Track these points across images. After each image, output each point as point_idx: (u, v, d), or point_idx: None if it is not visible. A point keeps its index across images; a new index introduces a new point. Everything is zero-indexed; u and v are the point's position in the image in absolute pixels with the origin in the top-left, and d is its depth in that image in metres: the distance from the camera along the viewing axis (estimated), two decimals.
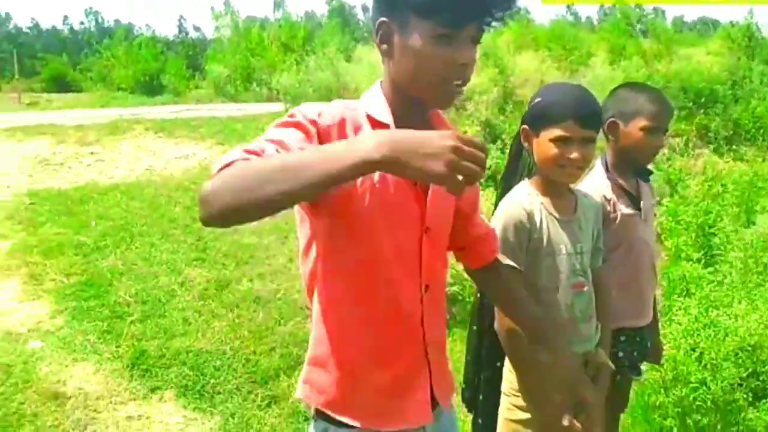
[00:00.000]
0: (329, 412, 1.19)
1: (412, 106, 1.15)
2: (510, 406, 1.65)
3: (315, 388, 1.22)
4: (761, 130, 9.22)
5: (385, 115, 1.13)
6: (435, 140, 0.84)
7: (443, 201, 1.21)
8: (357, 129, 1.12)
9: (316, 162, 0.85)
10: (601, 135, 1.62)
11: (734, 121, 9.34)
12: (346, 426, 1.18)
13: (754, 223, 4.50)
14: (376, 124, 1.13)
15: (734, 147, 8.88)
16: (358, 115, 1.14)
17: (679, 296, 3.28)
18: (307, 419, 2.79)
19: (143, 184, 7.03)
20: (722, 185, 5.61)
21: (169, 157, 8.25)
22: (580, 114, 1.47)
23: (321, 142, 1.05)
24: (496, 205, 1.66)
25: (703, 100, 9.47)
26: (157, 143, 8.90)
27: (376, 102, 1.16)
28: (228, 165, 0.90)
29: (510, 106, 8.65)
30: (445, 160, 0.82)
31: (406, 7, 1.04)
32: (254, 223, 5.24)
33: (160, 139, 9.11)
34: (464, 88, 1.11)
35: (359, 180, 1.08)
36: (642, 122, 1.81)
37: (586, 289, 1.60)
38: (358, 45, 10.66)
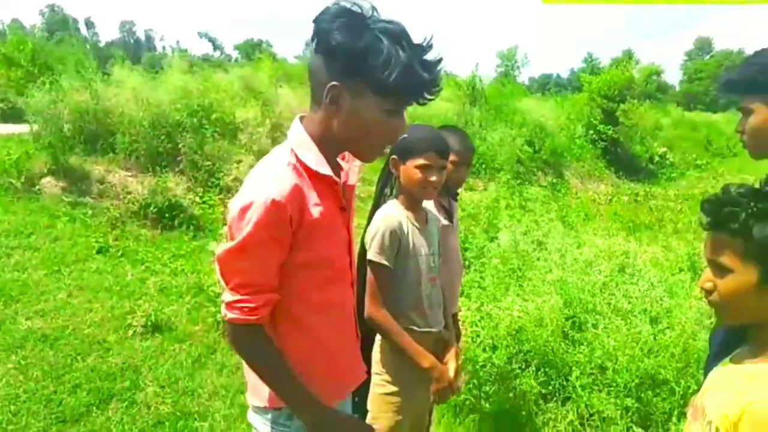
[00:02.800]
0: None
1: (336, 152, 1.40)
2: (380, 382, 2.01)
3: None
4: (483, 165, 11.21)
5: (326, 168, 1.35)
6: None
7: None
8: (309, 188, 1.33)
9: (284, 393, 1.38)
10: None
11: None
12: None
13: (496, 238, 5.60)
14: (320, 177, 1.34)
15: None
16: (305, 174, 1.34)
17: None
18: None
19: None
20: (471, 209, 6.76)
21: None
22: (438, 147, 1.93)
23: (292, 221, 1.29)
24: (369, 218, 2.03)
25: None
26: None
27: (312, 154, 1.34)
28: (243, 319, 1.31)
29: (279, 136, 9.05)
30: None
31: (364, 80, 1.24)
32: (16, 257, 4.82)
33: None
34: None
35: (317, 210, 1.34)
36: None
37: (437, 282, 2.06)
38: (114, 67, 9.99)
